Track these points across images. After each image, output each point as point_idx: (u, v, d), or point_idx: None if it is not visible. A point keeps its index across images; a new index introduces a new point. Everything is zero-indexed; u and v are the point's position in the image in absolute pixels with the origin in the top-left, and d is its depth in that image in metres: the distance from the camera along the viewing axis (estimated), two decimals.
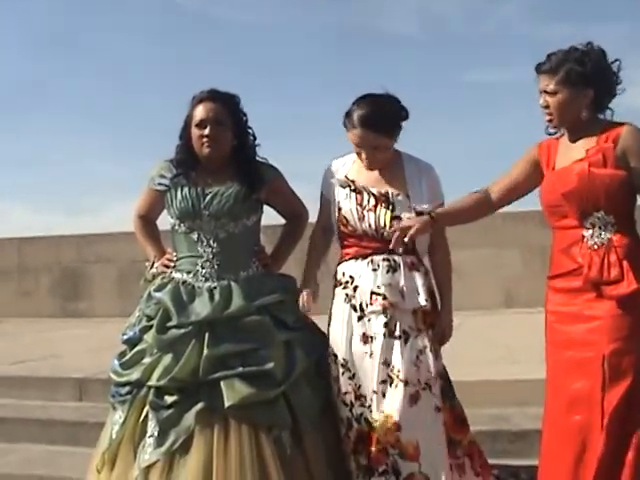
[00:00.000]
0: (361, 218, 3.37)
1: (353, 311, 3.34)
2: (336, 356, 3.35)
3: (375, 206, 3.36)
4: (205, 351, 3.22)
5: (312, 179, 3.70)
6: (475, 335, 7.59)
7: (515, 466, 4.00)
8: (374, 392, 3.23)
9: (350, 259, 3.42)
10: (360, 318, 3.32)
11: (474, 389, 4.66)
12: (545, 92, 3.05)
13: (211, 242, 3.42)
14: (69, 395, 5.76)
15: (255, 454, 3.11)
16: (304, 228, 3.75)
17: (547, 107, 3.06)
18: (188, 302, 3.34)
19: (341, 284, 3.42)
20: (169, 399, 3.21)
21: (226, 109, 3.45)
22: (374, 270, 3.33)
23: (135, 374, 3.31)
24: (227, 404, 3.13)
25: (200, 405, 3.16)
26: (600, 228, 2.97)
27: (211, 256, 3.42)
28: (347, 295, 3.37)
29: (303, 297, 3.43)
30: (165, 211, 3.58)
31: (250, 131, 3.56)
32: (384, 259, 3.33)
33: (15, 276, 12.56)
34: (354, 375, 3.29)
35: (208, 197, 3.42)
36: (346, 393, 3.30)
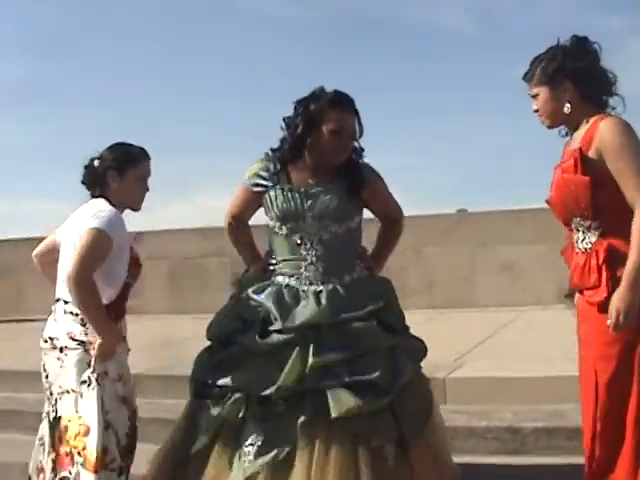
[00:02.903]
0: None
1: None
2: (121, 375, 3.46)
3: None
4: (310, 359, 3.13)
5: None
6: (530, 330, 7.55)
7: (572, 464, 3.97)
8: None
9: None
10: None
11: (530, 385, 4.64)
12: (533, 98, 3.06)
13: (314, 244, 3.34)
14: None
15: (356, 467, 3.04)
16: (401, 231, 3.71)
17: (537, 111, 3.06)
18: (292, 305, 3.27)
19: None
20: (275, 409, 3.15)
21: (355, 119, 3.39)
22: None
23: (233, 378, 3.23)
24: (333, 415, 3.05)
25: (305, 416, 3.09)
26: (584, 232, 2.94)
27: (315, 259, 3.34)
28: None
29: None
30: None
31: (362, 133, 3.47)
32: None
33: None
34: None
35: (311, 198, 3.35)
36: None
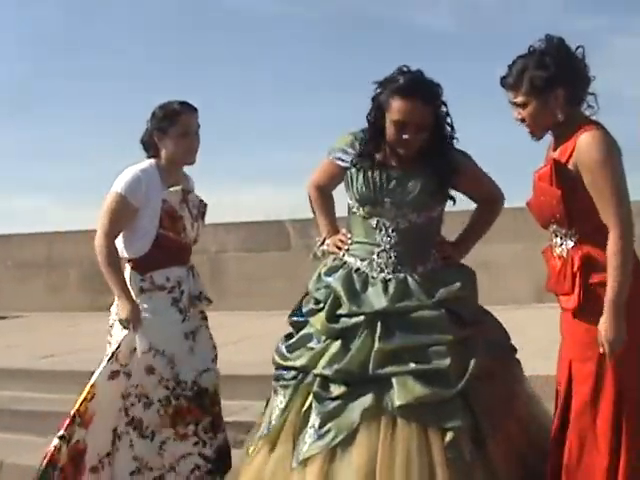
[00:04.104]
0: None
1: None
2: (163, 351, 3.69)
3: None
4: (377, 344, 3.08)
5: None
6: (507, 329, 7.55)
7: None
8: None
9: None
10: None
11: None
12: (516, 105, 2.96)
13: (390, 231, 3.24)
14: None
15: (425, 459, 2.93)
16: (498, 214, 3.56)
17: (523, 120, 2.97)
18: (361, 291, 3.20)
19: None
20: (335, 390, 3.08)
21: (429, 108, 3.18)
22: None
23: (301, 360, 3.21)
24: (398, 403, 2.98)
25: (367, 401, 3.02)
26: (561, 238, 2.95)
27: (389, 246, 3.25)
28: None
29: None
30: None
31: (449, 120, 3.30)
32: None
33: (45, 271, 12.70)
34: (175, 366, 3.71)
35: (392, 183, 3.22)
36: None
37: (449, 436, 2.96)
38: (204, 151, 3.83)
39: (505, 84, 2.97)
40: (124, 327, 3.65)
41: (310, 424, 3.09)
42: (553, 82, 2.87)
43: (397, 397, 2.98)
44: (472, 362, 3.06)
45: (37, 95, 21.19)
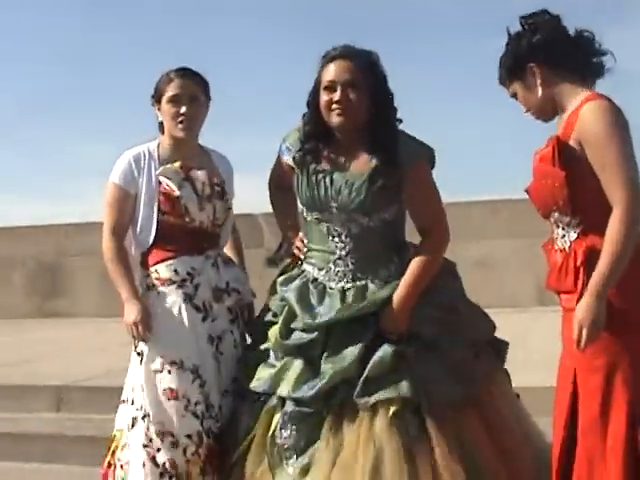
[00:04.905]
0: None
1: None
2: (182, 362, 3.35)
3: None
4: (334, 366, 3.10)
5: None
6: (504, 336, 7.53)
7: None
8: None
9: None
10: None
11: None
12: (514, 98, 3.01)
13: (343, 237, 3.22)
14: (45, 405, 5.73)
15: (371, 436, 3.02)
16: (439, 248, 3.34)
17: (528, 111, 2.99)
18: (317, 304, 3.20)
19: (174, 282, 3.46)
20: (306, 410, 3.12)
21: (363, 69, 3.19)
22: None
23: (263, 381, 3.22)
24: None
25: (335, 402, 3.08)
26: (564, 229, 2.90)
27: (344, 253, 3.23)
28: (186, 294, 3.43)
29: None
30: None
31: (391, 96, 3.27)
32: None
33: None
34: (205, 383, 3.35)
35: (336, 186, 3.21)
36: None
37: (393, 410, 3.03)
38: None
39: (500, 82, 3.01)
40: (132, 336, 3.43)
41: (286, 446, 3.12)
42: (521, 57, 2.89)
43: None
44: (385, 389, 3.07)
45: None
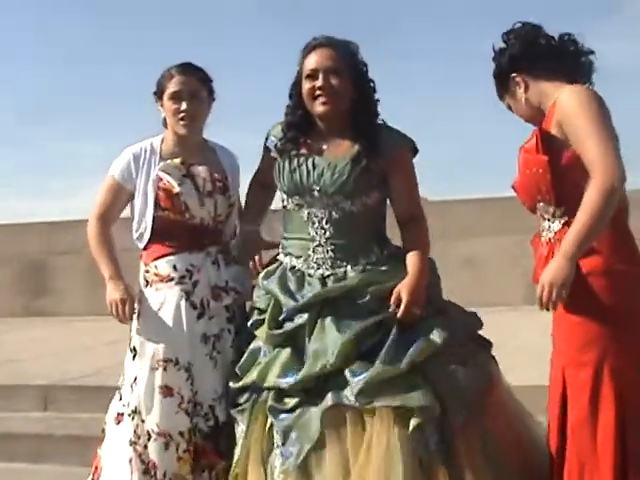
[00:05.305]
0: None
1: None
2: (177, 360, 3.35)
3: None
4: (332, 337, 3.06)
5: None
6: (493, 335, 7.55)
7: None
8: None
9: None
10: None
11: None
12: (511, 110, 3.12)
13: (324, 223, 3.22)
14: (32, 405, 5.72)
15: (391, 448, 2.91)
16: (426, 232, 3.36)
17: (526, 120, 3.08)
18: (296, 290, 3.20)
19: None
20: (291, 401, 3.06)
21: (344, 56, 3.25)
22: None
23: (251, 376, 3.18)
24: (356, 389, 2.97)
25: (326, 403, 3.00)
26: (549, 220, 2.93)
27: (324, 240, 3.23)
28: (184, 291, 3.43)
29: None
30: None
31: (372, 85, 3.31)
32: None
33: None
34: (194, 381, 3.36)
35: (319, 169, 3.22)
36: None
37: (414, 422, 2.94)
38: None
39: (499, 99, 3.15)
40: (115, 314, 3.42)
41: (275, 444, 3.06)
42: (504, 71, 3.01)
43: (355, 384, 2.98)
44: (420, 342, 3.06)
45: None
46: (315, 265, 3.22)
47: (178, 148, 3.59)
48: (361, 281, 3.15)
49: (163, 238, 3.52)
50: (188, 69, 3.56)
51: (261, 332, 3.23)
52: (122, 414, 3.44)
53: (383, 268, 3.22)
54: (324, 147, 3.28)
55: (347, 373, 3.02)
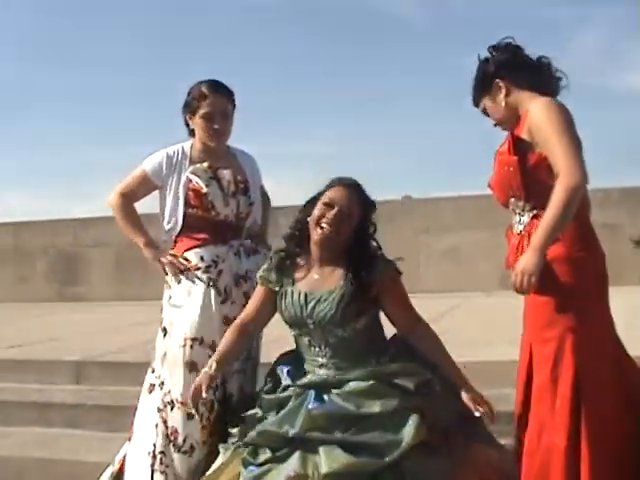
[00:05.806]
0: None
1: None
2: (202, 339, 3.41)
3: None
4: (305, 409, 3.00)
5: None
6: (472, 316, 7.59)
7: None
8: None
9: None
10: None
11: (470, 370, 4.64)
12: (485, 115, 3.13)
13: (322, 347, 3.20)
14: (66, 378, 5.72)
15: None
16: (433, 331, 3.27)
17: (496, 124, 3.11)
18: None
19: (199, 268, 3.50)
20: (262, 456, 2.99)
21: (357, 197, 3.20)
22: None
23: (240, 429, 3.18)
24: (324, 470, 2.81)
25: (293, 466, 2.87)
26: (519, 214, 2.96)
27: (325, 360, 3.20)
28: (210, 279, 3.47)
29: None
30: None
31: (373, 219, 3.27)
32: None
33: (11, 261, 12.54)
34: None
35: (311, 304, 3.17)
36: None
37: None
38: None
39: (473, 103, 3.15)
40: (165, 272, 3.54)
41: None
42: (488, 74, 3.03)
43: (324, 463, 2.84)
44: (407, 435, 2.90)
45: None
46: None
47: (206, 154, 3.63)
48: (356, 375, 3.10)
49: (192, 232, 3.56)
50: (220, 90, 3.58)
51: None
52: (154, 385, 3.49)
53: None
54: (315, 277, 3.24)
55: (320, 448, 2.89)
